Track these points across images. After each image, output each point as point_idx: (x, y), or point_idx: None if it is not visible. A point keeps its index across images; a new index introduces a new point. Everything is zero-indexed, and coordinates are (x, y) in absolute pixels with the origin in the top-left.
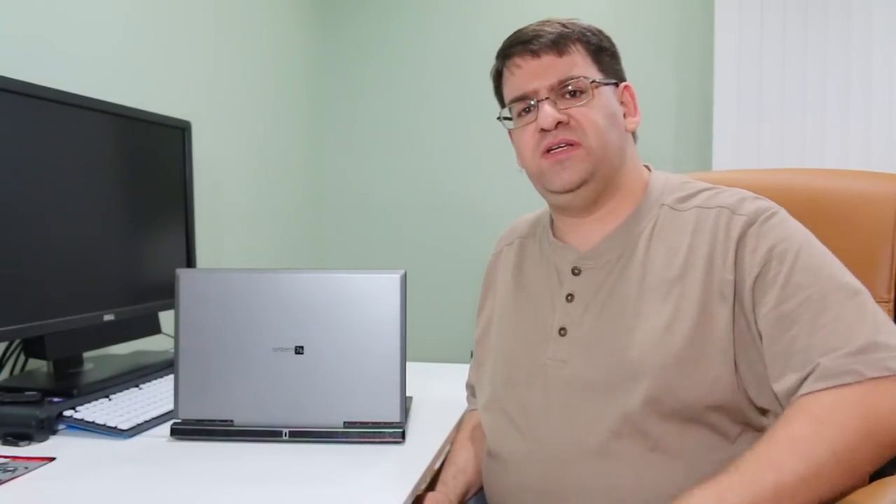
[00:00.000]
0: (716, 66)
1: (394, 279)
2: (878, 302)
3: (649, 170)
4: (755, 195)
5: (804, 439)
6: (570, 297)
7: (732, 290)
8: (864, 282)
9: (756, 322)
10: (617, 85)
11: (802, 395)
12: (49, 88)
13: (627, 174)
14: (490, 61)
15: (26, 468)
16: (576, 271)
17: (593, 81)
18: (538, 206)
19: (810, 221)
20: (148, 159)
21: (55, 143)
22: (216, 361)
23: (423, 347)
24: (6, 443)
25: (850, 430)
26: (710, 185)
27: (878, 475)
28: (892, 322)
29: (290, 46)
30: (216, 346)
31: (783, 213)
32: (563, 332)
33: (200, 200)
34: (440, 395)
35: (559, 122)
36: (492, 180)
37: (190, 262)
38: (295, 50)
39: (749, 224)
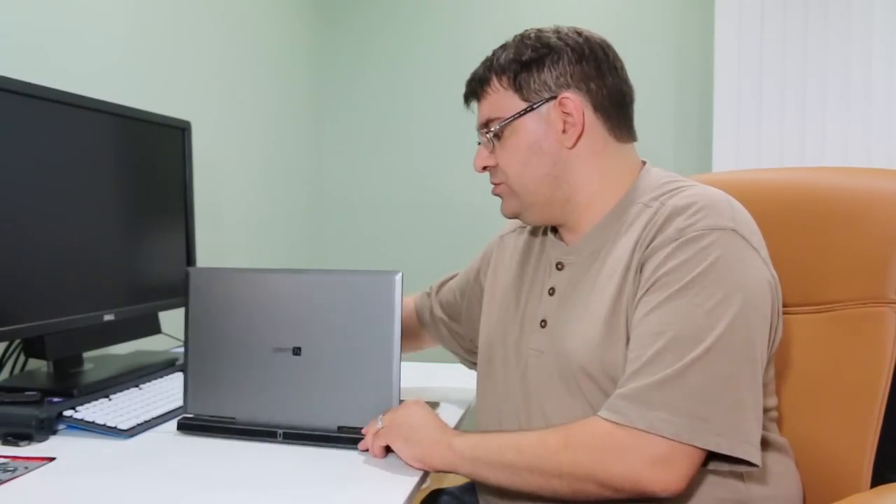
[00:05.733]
0: (716, 66)
1: (390, 280)
2: (885, 304)
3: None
4: (709, 205)
5: (550, 449)
6: (551, 291)
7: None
8: (872, 283)
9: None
10: (551, 99)
11: (594, 417)
12: (49, 88)
13: (582, 188)
14: None
15: (26, 468)
16: (559, 266)
17: (493, 131)
18: None
19: (817, 222)
20: (148, 159)
21: (55, 143)
22: (222, 359)
23: None
24: (6, 443)
25: (580, 466)
26: (690, 184)
27: (879, 481)
28: (715, 389)
29: (291, 47)
30: (222, 345)
31: (713, 237)
32: (543, 324)
33: (200, 200)
34: (439, 395)
35: (485, 167)
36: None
37: (190, 262)
38: (295, 50)
39: (672, 239)
